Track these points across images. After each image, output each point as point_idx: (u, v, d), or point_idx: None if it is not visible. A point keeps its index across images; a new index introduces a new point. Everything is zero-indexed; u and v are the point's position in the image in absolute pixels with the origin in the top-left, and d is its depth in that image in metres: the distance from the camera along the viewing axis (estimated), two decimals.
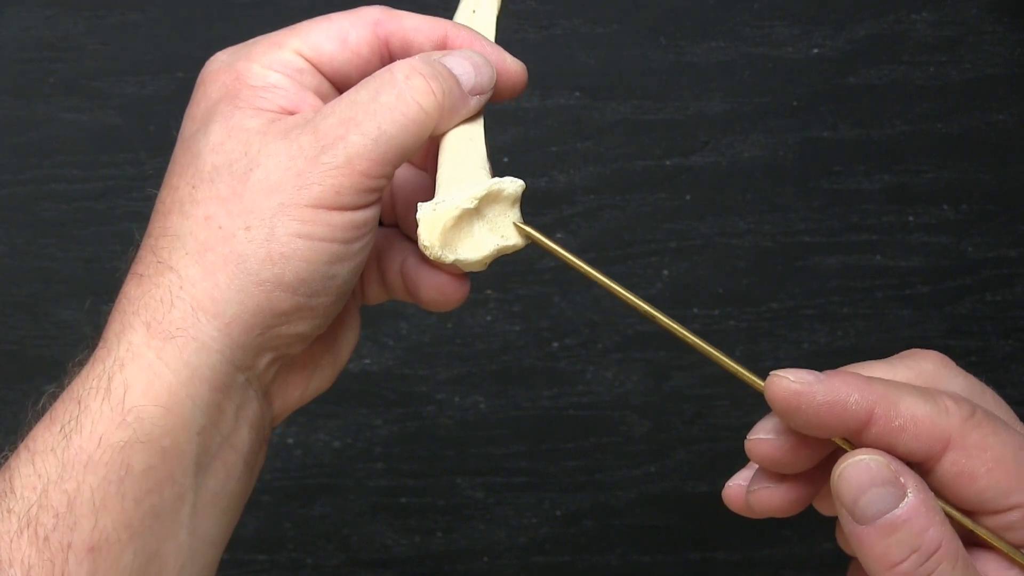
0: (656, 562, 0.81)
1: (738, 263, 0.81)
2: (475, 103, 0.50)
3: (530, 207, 0.81)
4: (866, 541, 0.43)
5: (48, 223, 0.81)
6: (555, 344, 0.81)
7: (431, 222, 0.49)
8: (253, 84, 0.49)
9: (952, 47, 0.81)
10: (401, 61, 0.48)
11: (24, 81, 0.80)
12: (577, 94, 0.81)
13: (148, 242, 0.48)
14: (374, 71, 0.50)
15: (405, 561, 0.81)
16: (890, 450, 0.44)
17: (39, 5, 0.80)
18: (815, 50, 0.81)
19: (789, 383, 0.45)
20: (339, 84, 0.51)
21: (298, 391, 0.51)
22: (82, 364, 0.47)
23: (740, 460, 0.57)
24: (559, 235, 0.81)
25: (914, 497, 0.43)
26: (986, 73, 0.81)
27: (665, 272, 0.81)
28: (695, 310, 0.81)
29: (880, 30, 0.81)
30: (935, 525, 0.43)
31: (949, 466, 0.44)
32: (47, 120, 0.81)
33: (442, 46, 0.51)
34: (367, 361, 0.81)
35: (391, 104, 0.47)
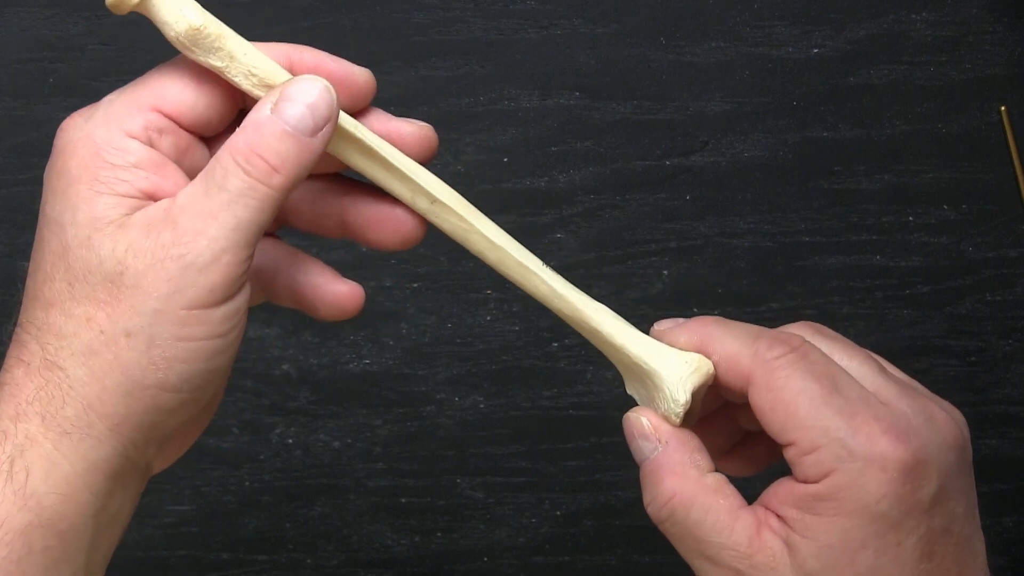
0: (656, 562, 0.81)
1: (738, 263, 0.81)
2: (322, 139, 0.50)
3: (530, 207, 0.81)
4: (641, 478, 0.52)
5: None
6: (555, 344, 0.81)
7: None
8: (112, 162, 0.49)
9: (952, 47, 0.81)
10: (238, 136, 0.49)
11: (24, 81, 0.80)
12: (577, 94, 0.81)
13: (30, 329, 0.49)
14: (231, 110, 0.51)
15: (405, 561, 0.81)
16: (719, 382, 0.52)
17: (39, 5, 0.80)
18: (815, 50, 0.81)
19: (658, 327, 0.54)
20: (200, 131, 0.52)
21: (177, 452, 0.53)
22: None
23: None
24: (559, 235, 0.81)
25: (661, 451, 0.51)
26: (986, 73, 0.81)
27: (665, 272, 0.81)
28: (695, 310, 0.81)
29: (880, 30, 0.81)
30: (673, 476, 0.50)
31: (752, 400, 0.50)
32: (47, 120, 0.80)
33: (290, 68, 0.51)
34: (367, 361, 0.81)
35: (241, 190, 0.48)
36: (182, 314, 0.48)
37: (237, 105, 0.52)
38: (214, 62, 0.51)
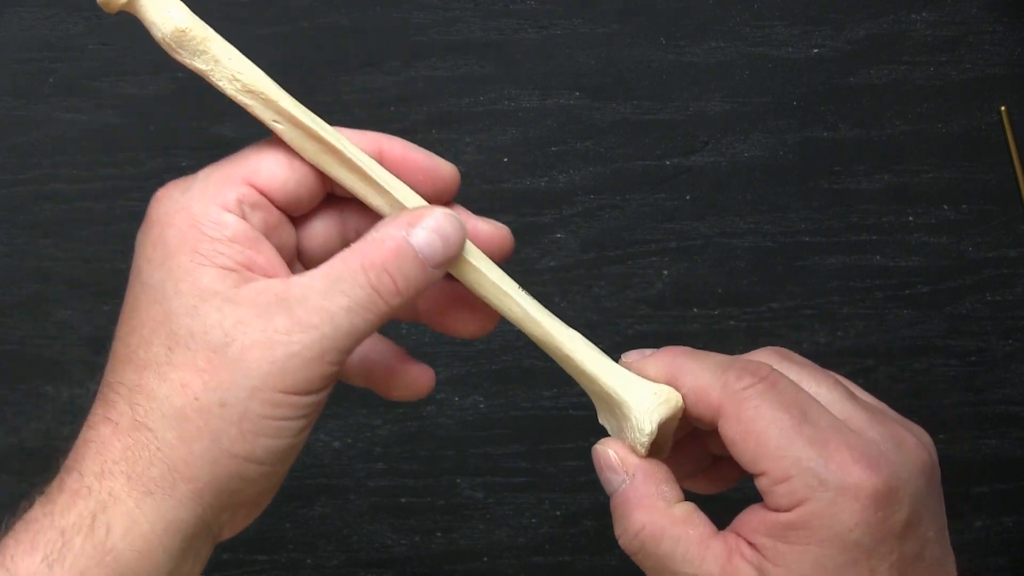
0: None
1: (738, 263, 0.81)
2: (443, 272, 0.53)
3: (530, 207, 0.81)
4: (612, 511, 0.52)
5: (48, 223, 0.81)
6: None
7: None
8: (211, 235, 0.51)
9: (952, 47, 0.81)
10: (373, 248, 0.51)
11: (24, 81, 0.80)
12: (577, 94, 0.81)
13: (120, 390, 0.50)
14: (320, 191, 0.53)
15: (405, 561, 0.81)
16: (688, 412, 0.52)
17: (39, 5, 0.80)
18: (815, 50, 0.81)
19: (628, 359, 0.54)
20: (290, 209, 0.53)
21: (245, 521, 0.54)
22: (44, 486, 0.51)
23: None
24: (559, 235, 0.81)
25: (628, 484, 0.52)
26: (986, 73, 0.81)
27: (665, 272, 0.81)
28: (695, 310, 0.81)
29: (880, 30, 0.81)
30: (641, 508, 0.51)
31: (723, 431, 0.51)
32: (47, 120, 0.81)
33: (378, 156, 0.53)
34: None
35: (363, 302, 0.50)
36: (278, 396, 0.50)
37: (326, 188, 0.54)
38: (199, 65, 0.51)
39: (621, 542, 0.52)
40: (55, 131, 0.81)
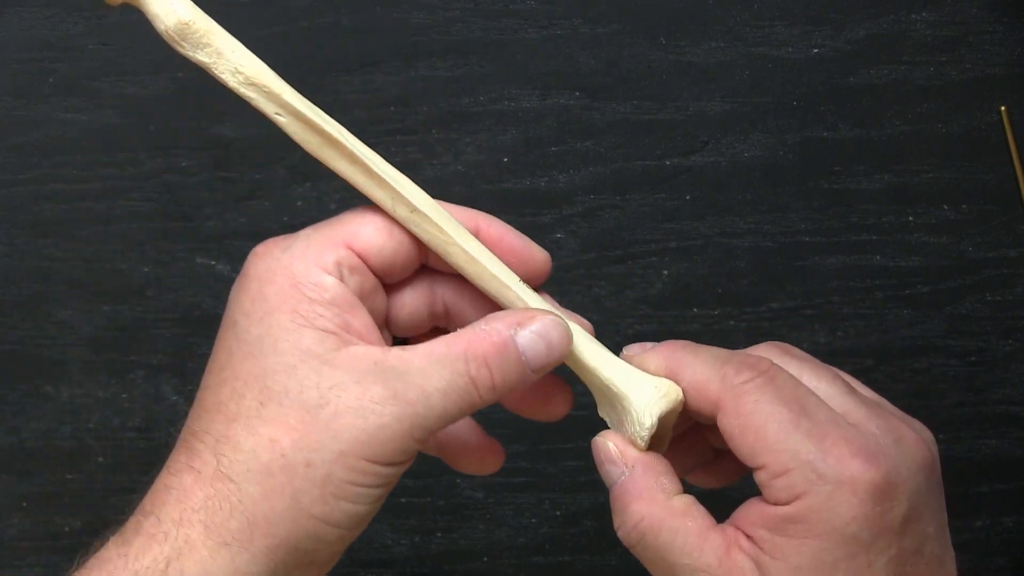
0: None
1: (738, 263, 0.81)
2: (539, 377, 0.53)
3: (530, 207, 0.81)
4: (611, 503, 0.53)
5: (48, 223, 0.81)
6: None
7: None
8: (311, 297, 0.51)
9: (952, 47, 0.81)
10: (480, 339, 0.51)
11: (24, 81, 0.80)
12: (577, 94, 0.81)
13: (206, 439, 0.51)
14: (415, 260, 0.54)
15: (405, 561, 0.81)
16: (688, 406, 0.52)
17: (39, 5, 0.80)
18: (815, 50, 0.81)
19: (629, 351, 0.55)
20: (384, 275, 0.54)
21: None
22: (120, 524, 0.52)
23: None
24: (559, 235, 0.81)
25: (627, 477, 0.52)
26: (986, 73, 0.81)
27: (665, 272, 0.81)
28: (695, 310, 0.81)
29: (880, 30, 0.81)
30: (640, 500, 0.51)
31: (721, 425, 0.51)
32: (47, 120, 0.81)
33: (476, 233, 0.54)
34: None
35: (458, 388, 0.51)
36: (363, 463, 0.50)
37: (421, 258, 0.55)
38: (201, 58, 0.51)
39: (620, 534, 0.52)
40: (55, 131, 0.81)
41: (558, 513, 0.81)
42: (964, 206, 0.81)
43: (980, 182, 0.81)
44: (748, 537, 0.50)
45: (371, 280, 0.53)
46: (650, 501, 0.51)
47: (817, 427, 0.49)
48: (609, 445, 0.53)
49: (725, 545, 0.50)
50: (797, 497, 0.49)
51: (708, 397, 0.52)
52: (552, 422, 0.58)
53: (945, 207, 0.81)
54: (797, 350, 0.54)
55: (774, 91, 0.81)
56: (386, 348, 0.51)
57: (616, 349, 0.56)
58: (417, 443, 0.51)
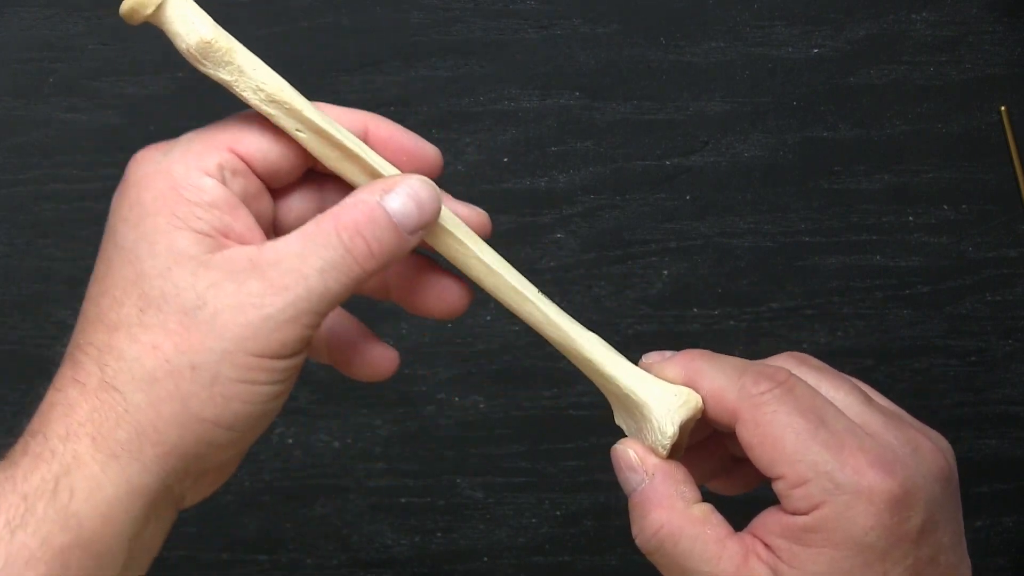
0: None
1: (738, 263, 0.81)
2: (417, 239, 0.52)
3: (530, 207, 0.81)
4: (629, 510, 0.52)
5: (48, 223, 0.81)
6: None
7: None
8: (189, 199, 0.50)
9: (952, 47, 0.81)
10: (346, 211, 0.51)
11: (24, 81, 0.80)
12: (577, 94, 0.81)
13: (89, 351, 0.50)
14: (301, 165, 0.53)
15: (405, 561, 0.81)
16: (707, 415, 0.52)
17: (39, 5, 0.80)
18: (815, 50, 0.81)
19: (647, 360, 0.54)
20: (269, 180, 0.53)
21: (210, 488, 0.54)
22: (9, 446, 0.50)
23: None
24: (559, 235, 0.81)
25: (648, 484, 0.52)
26: (986, 73, 0.81)
27: (665, 272, 0.81)
28: (695, 310, 0.81)
29: (880, 30, 0.81)
30: (660, 508, 0.51)
31: (740, 435, 0.51)
32: (47, 120, 0.81)
33: (364, 135, 0.53)
34: None
35: (336, 264, 0.50)
36: (250, 359, 0.49)
37: (307, 162, 0.54)
38: (223, 76, 0.51)
39: (638, 541, 0.52)
40: (55, 131, 0.81)
41: (558, 513, 0.81)
42: (964, 206, 0.81)
43: (980, 182, 0.81)
44: (766, 546, 0.50)
45: (255, 184, 0.52)
46: (670, 509, 0.51)
47: (835, 437, 0.50)
48: (629, 452, 0.53)
49: (743, 553, 0.50)
50: (815, 507, 0.49)
51: (726, 407, 0.52)
52: (451, 318, 0.56)
53: (945, 207, 0.81)
54: (814, 360, 0.54)
55: (774, 91, 0.81)
56: (262, 245, 0.50)
57: (617, 349, 0.56)
58: (306, 329, 0.50)
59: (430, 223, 0.52)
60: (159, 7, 0.51)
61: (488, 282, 0.54)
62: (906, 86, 0.81)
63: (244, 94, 0.52)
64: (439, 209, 0.52)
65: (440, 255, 0.54)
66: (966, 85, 0.81)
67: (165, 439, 0.49)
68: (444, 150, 0.81)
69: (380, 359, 0.57)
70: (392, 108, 0.81)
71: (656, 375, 0.54)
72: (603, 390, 0.55)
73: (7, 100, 0.81)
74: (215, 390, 0.49)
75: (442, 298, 0.56)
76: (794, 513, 0.49)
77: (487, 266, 0.54)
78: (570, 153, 0.81)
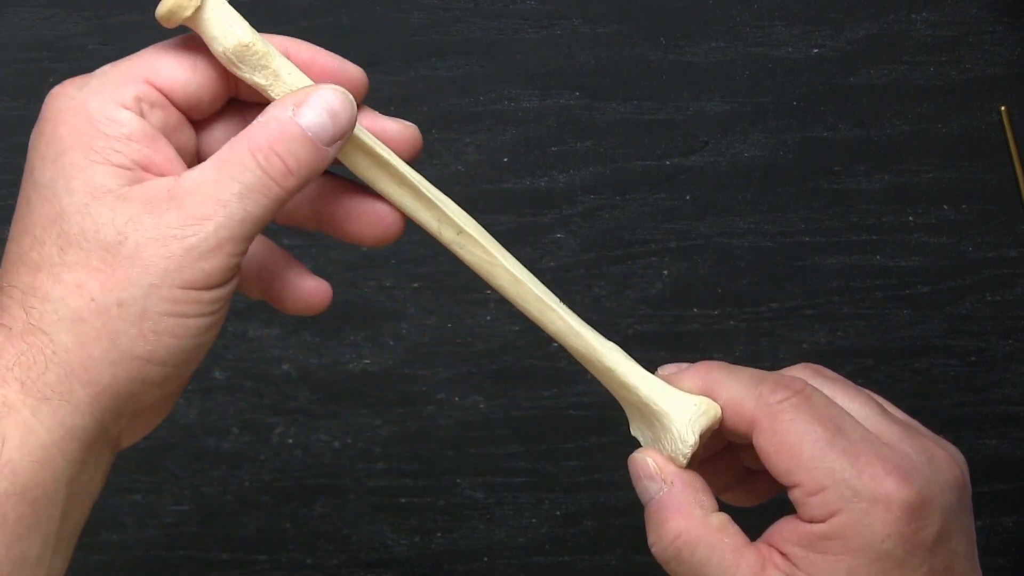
0: (656, 562, 0.81)
1: (738, 263, 0.81)
2: (336, 149, 0.51)
3: (530, 207, 0.81)
4: (646, 518, 0.52)
5: None
6: (555, 344, 0.81)
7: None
8: (106, 132, 0.49)
9: (952, 47, 0.81)
10: (259, 130, 0.49)
11: (24, 81, 0.80)
12: (577, 94, 0.81)
13: (13, 293, 0.49)
14: (222, 94, 0.52)
15: (405, 561, 0.81)
16: (724, 425, 0.53)
17: (39, 5, 0.80)
18: (815, 50, 0.81)
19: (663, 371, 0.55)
20: (190, 112, 0.52)
21: (146, 428, 0.53)
22: None
23: None
24: (559, 235, 0.81)
25: (666, 492, 0.52)
26: (986, 73, 0.81)
27: (665, 272, 0.81)
28: (695, 310, 0.81)
29: (880, 30, 0.81)
30: (678, 516, 0.51)
31: (757, 443, 0.51)
32: None
33: (286, 57, 0.52)
34: (367, 361, 0.81)
35: (254, 185, 0.49)
36: (177, 292, 0.48)
37: (229, 92, 0.53)
38: (259, 80, 0.51)
39: (655, 549, 0.52)
40: None
41: (558, 513, 0.81)
42: (964, 206, 0.81)
43: (980, 182, 0.81)
44: (782, 554, 0.50)
45: (175, 115, 0.51)
46: (688, 517, 0.51)
47: (852, 446, 0.50)
48: (648, 461, 0.53)
49: (760, 562, 0.50)
50: (832, 514, 0.49)
51: (744, 416, 0.52)
52: (383, 245, 0.55)
53: (945, 207, 0.81)
54: (830, 371, 0.54)
55: (774, 91, 0.81)
56: (179, 176, 0.49)
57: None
58: (231, 257, 0.49)
59: (346, 132, 0.51)
60: (197, 10, 0.50)
61: (512, 291, 0.54)
62: (906, 86, 0.81)
63: (278, 98, 0.52)
64: (355, 117, 0.51)
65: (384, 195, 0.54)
66: (966, 85, 0.81)
67: (96, 379, 0.48)
68: (444, 150, 0.81)
69: (312, 292, 0.55)
70: (392, 108, 0.80)
71: (673, 386, 0.54)
72: (621, 400, 0.55)
73: (7, 100, 0.81)
74: (144, 326, 0.48)
75: (373, 223, 0.54)
76: (811, 521, 0.50)
77: (512, 275, 0.54)
78: (570, 153, 0.81)
